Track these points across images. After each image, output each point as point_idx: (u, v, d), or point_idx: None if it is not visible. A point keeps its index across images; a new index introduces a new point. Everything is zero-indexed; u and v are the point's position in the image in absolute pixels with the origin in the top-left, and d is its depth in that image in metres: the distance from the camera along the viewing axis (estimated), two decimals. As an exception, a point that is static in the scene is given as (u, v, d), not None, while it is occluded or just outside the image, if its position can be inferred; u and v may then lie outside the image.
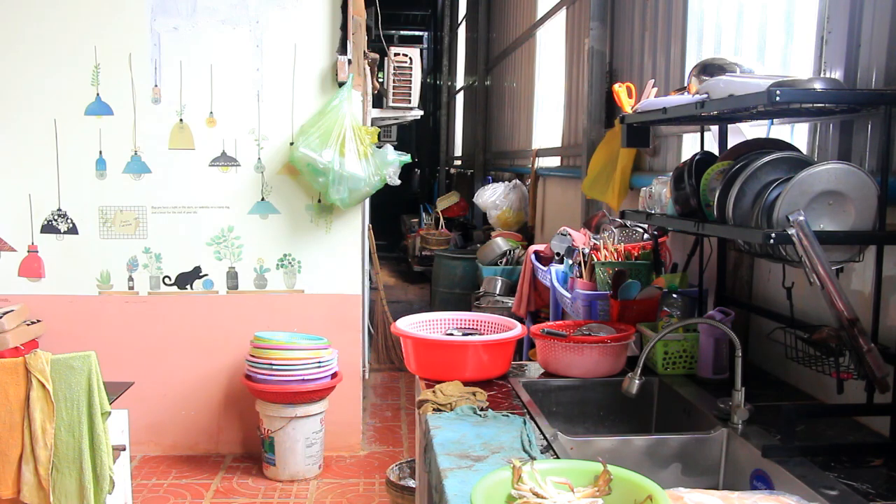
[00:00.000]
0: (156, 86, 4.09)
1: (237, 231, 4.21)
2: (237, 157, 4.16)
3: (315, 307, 4.24)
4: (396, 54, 5.19)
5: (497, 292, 5.15)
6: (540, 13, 6.10)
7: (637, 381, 1.94)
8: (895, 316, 1.80)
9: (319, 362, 3.89)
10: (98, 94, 4.07)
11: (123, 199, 4.15)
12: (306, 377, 3.84)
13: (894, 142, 1.67)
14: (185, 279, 4.22)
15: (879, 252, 1.70)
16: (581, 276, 3.03)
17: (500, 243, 5.54)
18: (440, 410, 2.02)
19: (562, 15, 5.35)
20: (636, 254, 2.97)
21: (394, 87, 5.20)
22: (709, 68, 2.19)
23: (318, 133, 3.91)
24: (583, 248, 3.13)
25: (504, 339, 2.29)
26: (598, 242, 3.08)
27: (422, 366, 2.29)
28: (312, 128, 3.95)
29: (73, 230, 4.14)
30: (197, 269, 4.22)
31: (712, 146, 2.47)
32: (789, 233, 1.59)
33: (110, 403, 2.76)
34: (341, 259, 4.24)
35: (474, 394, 2.12)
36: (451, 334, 2.45)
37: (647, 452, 1.91)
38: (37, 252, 4.15)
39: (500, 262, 5.44)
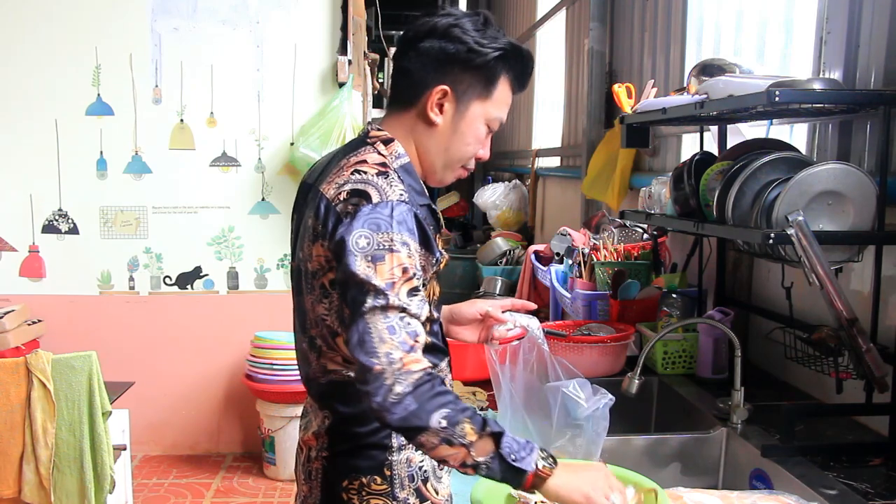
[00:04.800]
0: (156, 86, 4.10)
1: (238, 231, 4.21)
2: (237, 158, 4.17)
3: (315, 307, 4.24)
4: (397, 54, 5.18)
5: (497, 292, 5.14)
6: (540, 13, 6.08)
7: (637, 381, 1.94)
8: (894, 316, 1.81)
9: (320, 362, 3.89)
10: (99, 95, 4.08)
11: (124, 199, 4.15)
12: (307, 377, 3.85)
13: (893, 142, 1.67)
14: (186, 279, 4.23)
15: (878, 252, 1.70)
16: (581, 276, 3.03)
17: (500, 243, 5.53)
18: (440, 410, 2.02)
19: (561, 15, 5.34)
20: (636, 254, 2.97)
21: (394, 88, 5.18)
22: (708, 68, 2.19)
23: (319, 133, 3.91)
24: (582, 248, 3.13)
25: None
26: (597, 242, 3.08)
27: (422, 365, 2.29)
28: (313, 128, 3.95)
29: (73, 230, 4.15)
30: (197, 269, 4.23)
31: (712, 146, 2.47)
32: (788, 233, 1.59)
33: (111, 403, 2.77)
34: (341, 259, 4.24)
35: (474, 393, 2.12)
36: (452, 334, 2.44)
37: (646, 452, 1.91)
38: (38, 252, 4.16)
39: (500, 262, 5.42)
